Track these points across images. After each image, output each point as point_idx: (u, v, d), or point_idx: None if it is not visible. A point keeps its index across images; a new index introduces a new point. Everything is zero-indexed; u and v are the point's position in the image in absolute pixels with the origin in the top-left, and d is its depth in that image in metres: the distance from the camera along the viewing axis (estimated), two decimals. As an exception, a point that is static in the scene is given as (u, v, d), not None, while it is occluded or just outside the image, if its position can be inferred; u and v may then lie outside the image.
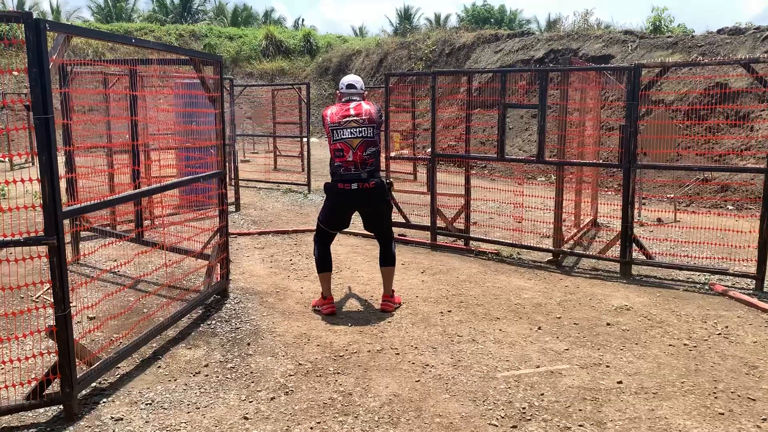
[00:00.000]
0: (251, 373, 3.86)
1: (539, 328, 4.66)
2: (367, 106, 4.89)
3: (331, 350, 4.21)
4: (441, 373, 3.85)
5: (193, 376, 3.81)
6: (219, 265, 5.23)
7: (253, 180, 12.40)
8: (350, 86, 5.00)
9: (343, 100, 4.98)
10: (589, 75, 7.81)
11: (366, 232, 7.85)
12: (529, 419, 3.31)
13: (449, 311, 4.99)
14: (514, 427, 3.23)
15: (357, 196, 4.83)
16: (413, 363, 4.00)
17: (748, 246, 5.98)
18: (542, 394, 3.59)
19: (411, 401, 3.50)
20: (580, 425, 3.25)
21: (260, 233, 7.87)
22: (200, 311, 4.89)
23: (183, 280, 5.51)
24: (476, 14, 36.07)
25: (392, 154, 7.88)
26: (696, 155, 11.10)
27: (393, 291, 5.14)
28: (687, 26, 18.72)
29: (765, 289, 5.56)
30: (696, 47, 13.64)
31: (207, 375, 3.83)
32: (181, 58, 5.05)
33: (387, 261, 5.13)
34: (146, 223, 7.20)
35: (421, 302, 5.23)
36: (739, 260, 5.96)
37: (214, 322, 4.71)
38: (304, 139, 13.12)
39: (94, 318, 4.64)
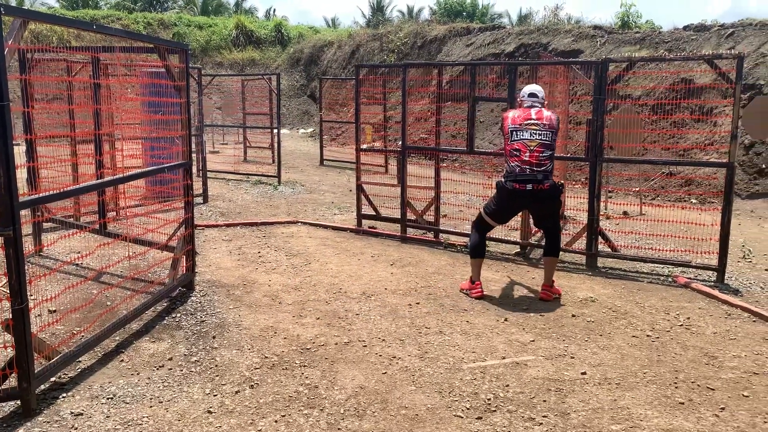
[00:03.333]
0: (216, 366, 3.81)
1: (506, 320, 4.69)
2: (547, 113, 5.17)
3: (297, 343, 4.19)
4: (408, 365, 3.85)
5: (157, 369, 3.75)
6: (185, 257, 5.15)
7: (222, 171, 12.25)
8: (532, 95, 5.27)
9: (524, 105, 5.26)
10: (558, 69, 7.88)
11: (336, 225, 7.86)
12: (494, 410, 3.34)
13: (417, 303, 5.00)
14: (479, 418, 3.25)
15: (532, 197, 5.05)
16: (380, 355, 4.00)
17: (711, 239, 6.10)
18: (507, 386, 3.62)
19: (377, 393, 3.50)
20: (544, 416, 3.28)
21: (228, 225, 7.79)
22: (165, 304, 4.82)
23: (148, 273, 5.42)
24: (448, 7, 36.07)
25: (363, 147, 7.86)
26: (661, 149, 11.29)
27: (553, 281, 5.31)
28: (654, 22, 19.01)
29: (725, 281, 5.69)
30: (663, 43, 13.85)
31: (171, 369, 3.77)
32: (146, 46, 4.94)
33: (552, 252, 5.33)
34: (110, 214, 7.07)
35: (389, 294, 5.23)
36: (701, 253, 6.09)
37: (179, 315, 4.64)
38: (275, 131, 13.00)
39: (55, 311, 4.54)
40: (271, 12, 41.61)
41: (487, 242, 6.86)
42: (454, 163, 14.26)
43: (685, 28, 13.95)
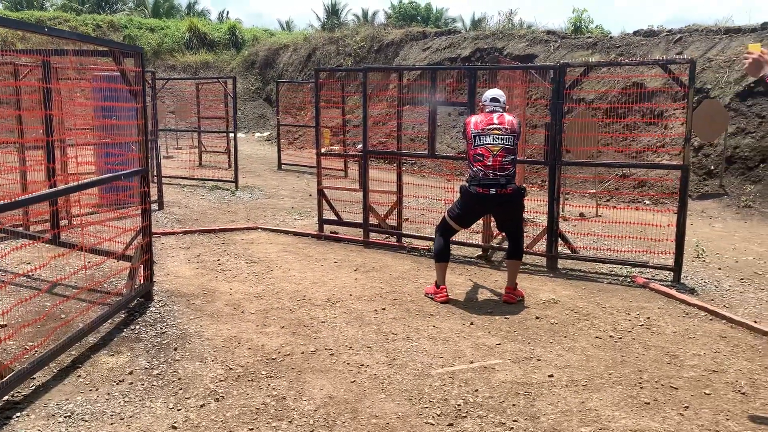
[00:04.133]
0: (179, 379, 3.70)
1: (472, 324, 4.70)
2: (509, 117, 5.21)
3: (263, 353, 4.10)
4: (376, 373, 3.81)
5: (117, 384, 3.62)
6: (142, 266, 5.00)
7: (176, 177, 12.00)
8: (494, 100, 5.31)
9: (486, 110, 5.28)
10: (515, 73, 7.97)
11: (297, 230, 7.77)
12: (465, 416, 3.33)
13: (383, 309, 4.97)
14: (451, 425, 3.24)
15: (495, 201, 5.07)
16: (348, 363, 3.95)
17: (666, 239, 6.25)
18: (477, 390, 3.61)
19: (347, 403, 3.45)
20: (515, 420, 3.29)
21: (185, 232, 7.61)
22: (123, 316, 4.66)
23: (104, 283, 5.24)
24: (403, 11, 36.27)
25: (323, 151, 7.79)
26: (615, 152, 11.55)
27: (516, 284, 5.34)
28: (604, 27, 19.46)
29: (681, 281, 5.83)
30: (614, 48, 14.18)
31: (131, 383, 3.64)
32: (100, 49, 4.78)
33: (515, 255, 5.35)
34: (63, 223, 6.82)
35: (354, 300, 5.18)
36: (657, 253, 6.23)
37: (138, 326, 4.50)
38: (231, 135, 12.80)
39: (6, 326, 4.34)
40: (224, 14, 41.07)
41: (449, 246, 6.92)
42: (413, 166, 14.30)
43: (635, 33, 14.33)
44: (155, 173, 9.30)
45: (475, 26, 33.85)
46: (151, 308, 4.86)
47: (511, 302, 5.19)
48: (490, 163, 5.02)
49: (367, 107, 7.11)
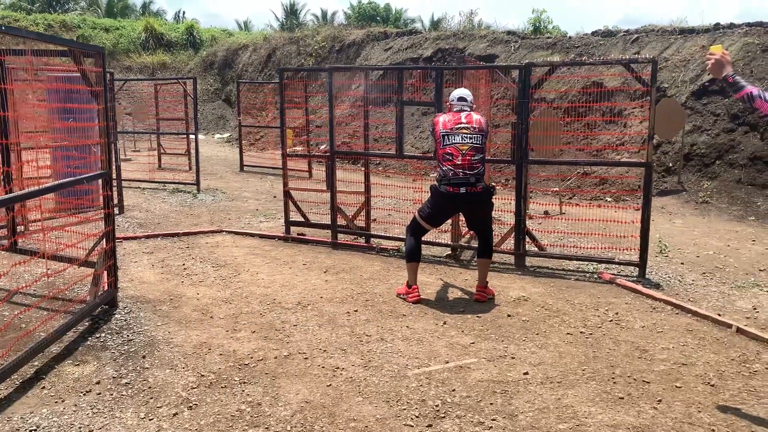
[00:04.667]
0: (149, 388, 3.59)
1: (445, 323, 4.69)
2: (477, 116, 5.23)
3: (235, 359, 4.01)
4: (352, 376, 3.77)
5: (84, 395, 3.49)
6: (106, 272, 4.85)
7: (136, 180, 11.72)
8: (461, 99, 5.33)
9: (454, 110, 5.29)
10: (480, 73, 8.02)
11: (263, 232, 7.66)
12: (444, 417, 3.31)
13: (356, 311, 4.93)
14: (430, 426, 3.22)
15: (465, 200, 5.08)
16: (323, 367, 3.89)
17: (630, 236, 6.37)
18: (454, 390, 3.60)
19: (323, 407, 3.40)
20: (493, 419, 3.29)
21: (148, 236, 7.43)
22: (87, 324, 4.51)
23: (66, 291, 5.07)
24: (362, 12, 36.22)
25: (287, 151, 7.69)
26: (576, 150, 11.74)
27: (487, 282, 5.35)
28: (561, 28, 19.79)
29: (647, 276, 5.94)
30: (573, 48, 14.42)
31: (99, 393, 3.52)
32: (59, 49, 4.61)
33: (485, 254, 5.35)
34: (20, 229, 6.57)
35: (326, 303, 5.12)
36: (622, 249, 6.33)
37: (103, 334, 4.35)
38: (191, 136, 12.56)
39: (-38, 338, 4.15)
40: (181, 15, 40.38)
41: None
42: (377, 167, 14.28)
43: (594, 33, 14.60)
44: (115, 176, 9.05)
45: (435, 27, 34.00)
46: (116, 315, 4.71)
47: (482, 301, 5.21)
48: (459, 162, 5.03)
49: (329, 107, 7.04)
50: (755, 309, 5.10)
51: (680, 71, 11.82)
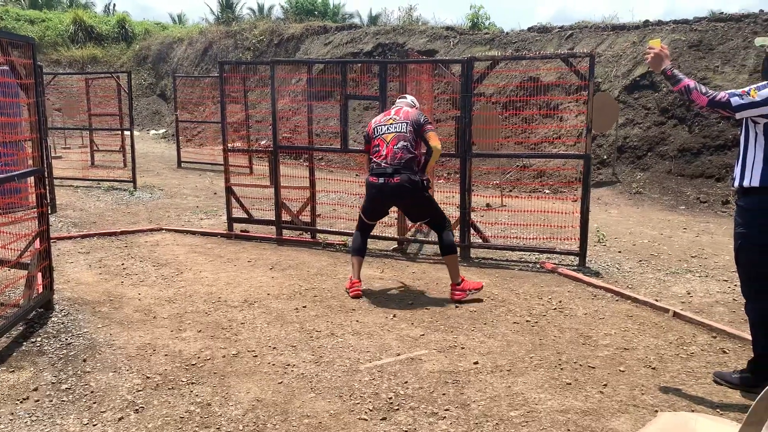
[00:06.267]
0: (92, 392, 3.45)
1: (394, 316, 4.70)
2: (407, 109, 5.19)
3: (181, 359, 3.90)
4: (304, 372, 3.73)
5: (21, 403, 3.32)
6: (40, 274, 4.63)
7: (68, 178, 11.26)
8: (402, 97, 5.47)
9: (392, 109, 5.33)
10: (422, 68, 8.06)
11: (205, 230, 7.48)
12: (397, 409, 3.31)
13: (304, 307, 4.87)
14: (384, 419, 3.21)
15: (384, 190, 4.99)
16: (273, 364, 3.83)
17: (569, 226, 6.55)
18: (406, 382, 3.61)
19: (276, 405, 3.34)
20: (446, 409, 3.31)
21: (84, 236, 7.14)
22: (21, 328, 4.29)
23: (-4, 295, 4.82)
24: (300, 6, 35.84)
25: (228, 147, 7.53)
26: (515, 144, 11.99)
27: (462, 279, 5.11)
28: (497, 24, 20.13)
29: (587, 265, 6.11)
30: (510, 44, 14.70)
31: (38, 400, 3.35)
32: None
33: (443, 250, 5.18)
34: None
35: (273, 300, 5.05)
36: (562, 239, 6.50)
37: (39, 339, 4.16)
38: (126, 132, 12.15)
39: None
40: (111, 7, 38.88)
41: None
42: (320, 162, 14.18)
43: (530, 29, 14.91)
44: (46, 174, 8.66)
45: (374, 22, 34.00)
46: (52, 318, 4.51)
47: (459, 300, 5.04)
48: (384, 153, 5.03)
49: (268, 101, 6.93)
50: (689, 294, 5.33)
51: (613, 66, 12.23)
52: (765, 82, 3.33)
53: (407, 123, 5.06)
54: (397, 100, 5.49)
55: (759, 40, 3.56)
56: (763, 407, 1.83)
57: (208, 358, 3.93)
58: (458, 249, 6.44)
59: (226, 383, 3.58)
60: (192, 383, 3.58)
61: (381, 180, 4.98)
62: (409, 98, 5.49)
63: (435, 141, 5.03)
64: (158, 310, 4.81)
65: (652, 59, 3.56)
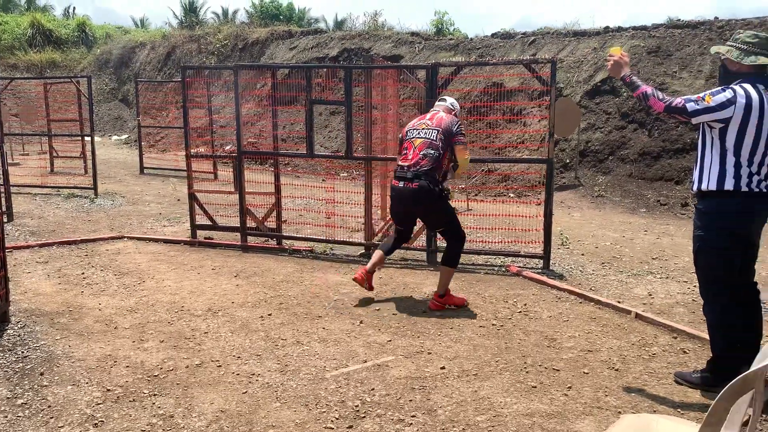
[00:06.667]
0: (49, 407, 3.35)
1: (361, 322, 4.68)
2: (442, 115, 5.06)
3: (143, 370, 3.82)
4: (269, 381, 3.68)
5: (-27, 420, 3.21)
6: (-5, 285, 4.49)
7: (26, 185, 10.96)
8: (441, 99, 5.36)
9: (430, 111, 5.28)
10: (387, 73, 8.07)
11: (168, 237, 7.36)
12: (364, 417, 3.29)
13: (269, 314, 4.82)
14: (350, 427, 3.19)
15: (403, 195, 4.94)
16: (238, 374, 3.78)
17: (534, 229, 6.61)
18: (373, 389, 3.59)
19: (240, 415, 3.29)
20: (413, 415, 3.31)
21: (42, 245, 6.95)
22: (-25, 342, 4.16)
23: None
24: (265, 10, 35.64)
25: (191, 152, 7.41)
26: (480, 148, 12.08)
27: (448, 290, 5.07)
28: (462, 30, 20.31)
29: (551, 268, 6.18)
30: (474, 49, 14.83)
31: (-8, 417, 3.24)
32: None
33: (443, 259, 5.11)
34: None
35: (238, 308, 4.98)
36: (527, 242, 6.57)
37: (-6, 353, 4.03)
38: (87, 138, 11.89)
39: None
40: (71, 10, 38.10)
41: (332, 245, 6.89)
42: (286, 167, 14.09)
43: (493, 35, 15.07)
44: (2, 181, 8.42)
45: (339, 27, 33.99)
46: (8, 331, 4.37)
47: (435, 309, 4.96)
48: (409, 157, 4.95)
49: (233, 106, 6.87)
50: (650, 295, 5.43)
51: (575, 72, 12.43)
52: (720, 88, 3.43)
53: (438, 130, 4.93)
54: (436, 103, 5.36)
55: (714, 48, 3.68)
56: (721, 408, 1.87)
57: (171, 368, 3.85)
58: (426, 254, 6.47)
59: (190, 394, 3.52)
60: (154, 395, 3.50)
61: (401, 183, 4.93)
62: (449, 101, 5.30)
63: (462, 154, 4.95)
64: (119, 320, 4.70)
65: (612, 66, 3.64)
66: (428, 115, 5.16)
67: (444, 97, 5.41)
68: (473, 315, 4.88)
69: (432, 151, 4.88)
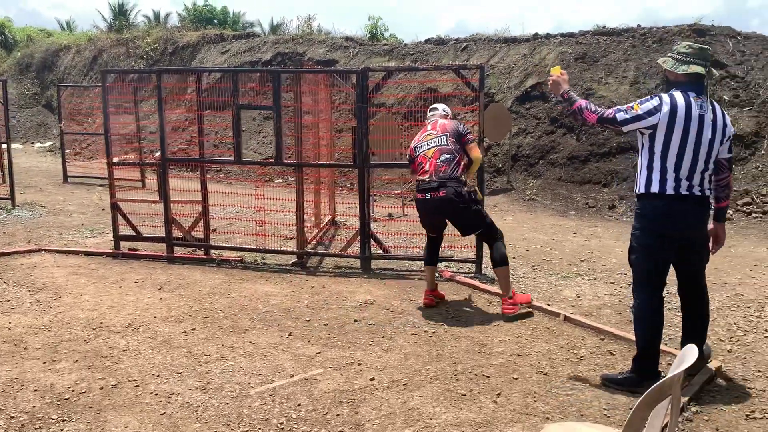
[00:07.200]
0: (-57, 440, 3.08)
1: (290, 335, 4.55)
2: (443, 121, 5.14)
3: (52, 394, 3.57)
4: (189, 401, 3.50)
5: None
6: None
7: (-65, 196, 10.26)
8: (432, 109, 5.40)
9: (427, 123, 5.26)
10: (319, 77, 7.96)
11: (89, 249, 7.01)
12: (289, 434, 3.17)
13: (193, 329, 4.62)
14: (274, 445, 3.06)
15: (432, 205, 4.93)
16: (156, 394, 3.58)
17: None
18: (299, 405, 3.47)
19: (157, 438, 3.11)
20: (340, 431, 3.20)
21: (-51, 261, 6.49)
22: None
23: None
24: (198, 14, 34.87)
25: (115, 160, 7.09)
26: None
27: (513, 292, 5.02)
28: (397, 35, 20.38)
29: (483, 272, 6.20)
30: (408, 55, 14.89)
31: None
32: None
33: (494, 262, 5.05)
34: None
35: (160, 323, 4.75)
36: (461, 247, 6.56)
37: None
38: (4, 146, 11.25)
39: None
40: (-10, 11, 36.29)
41: (262, 254, 6.71)
42: (218, 174, 13.75)
43: (427, 41, 15.17)
44: None
45: (274, 31, 33.57)
46: None
47: (510, 313, 4.91)
48: (428, 169, 4.97)
49: (164, 112, 6.62)
50: (578, 297, 5.51)
51: (506, 78, 12.63)
52: (648, 96, 3.60)
53: (446, 135, 5.01)
54: (429, 114, 5.42)
55: (658, 60, 3.90)
56: (638, 416, 1.85)
57: (84, 390, 3.62)
58: (360, 261, 6.39)
59: (102, 418, 3.30)
60: (63, 420, 3.28)
61: (427, 195, 4.92)
62: (441, 107, 5.41)
63: (476, 152, 5.07)
64: (30, 339, 4.41)
65: (552, 84, 3.92)
66: (429, 127, 5.21)
67: (435, 105, 5.50)
68: (405, 323, 4.82)
69: (448, 156, 4.95)
